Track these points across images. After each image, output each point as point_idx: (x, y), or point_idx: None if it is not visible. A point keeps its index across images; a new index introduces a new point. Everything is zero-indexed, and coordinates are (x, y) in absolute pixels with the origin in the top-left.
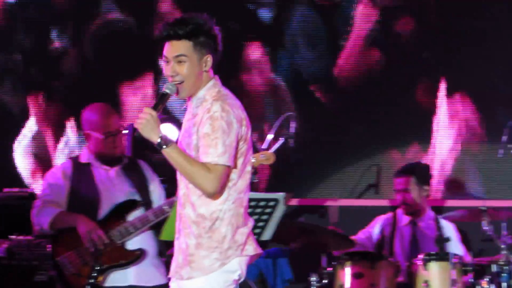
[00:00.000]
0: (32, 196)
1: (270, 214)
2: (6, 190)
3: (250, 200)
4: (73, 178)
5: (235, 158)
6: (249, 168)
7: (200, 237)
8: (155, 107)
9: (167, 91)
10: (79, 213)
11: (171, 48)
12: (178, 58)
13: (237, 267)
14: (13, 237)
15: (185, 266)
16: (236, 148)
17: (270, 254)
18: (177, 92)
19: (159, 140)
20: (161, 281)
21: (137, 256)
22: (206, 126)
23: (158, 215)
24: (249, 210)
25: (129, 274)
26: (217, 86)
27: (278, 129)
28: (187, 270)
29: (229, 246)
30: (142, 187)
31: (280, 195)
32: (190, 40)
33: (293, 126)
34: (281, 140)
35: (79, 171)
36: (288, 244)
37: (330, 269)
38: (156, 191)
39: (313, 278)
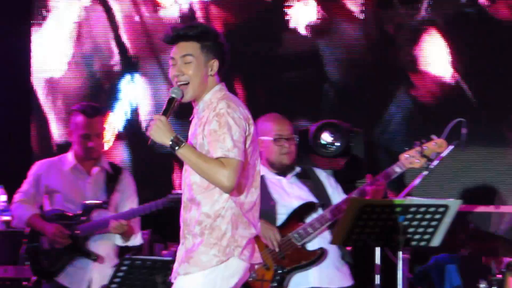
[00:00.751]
0: None
1: (439, 220)
2: (174, 192)
3: (419, 206)
4: None
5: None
6: (258, 169)
7: (202, 234)
8: (164, 113)
9: (173, 95)
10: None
11: (179, 49)
12: (185, 58)
13: (236, 271)
14: None
15: (184, 262)
16: (245, 144)
17: (439, 261)
18: (182, 96)
19: (170, 142)
20: (344, 283)
21: (318, 255)
22: (212, 123)
23: (335, 213)
24: (418, 216)
25: (311, 276)
26: (223, 90)
27: (448, 135)
28: (185, 266)
29: (227, 244)
30: (319, 192)
31: (450, 202)
32: (198, 42)
33: (464, 132)
34: (451, 146)
35: None
36: (457, 250)
37: (499, 276)
38: (335, 194)
39: (482, 285)
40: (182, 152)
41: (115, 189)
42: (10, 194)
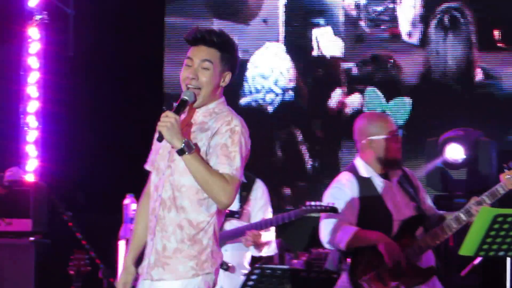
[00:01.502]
0: (333, 209)
1: None
2: (308, 203)
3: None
4: (360, 194)
5: None
6: None
7: (182, 242)
8: (177, 112)
9: (186, 98)
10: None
11: (200, 52)
12: (204, 63)
13: (208, 286)
14: (313, 250)
15: (157, 267)
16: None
17: None
18: (194, 101)
19: (182, 145)
20: None
21: (432, 273)
22: (225, 137)
23: (438, 234)
24: (495, 226)
25: None
26: (225, 104)
27: None
28: (159, 271)
29: (206, 259)
30: (417, 198)
31: None
32: (219, 51)
33: None
34: None
35: (362, 185)
36: None
37: None
38: (426, 200)
39: None
40: (191, 158)
41: (248, 199)
42: None
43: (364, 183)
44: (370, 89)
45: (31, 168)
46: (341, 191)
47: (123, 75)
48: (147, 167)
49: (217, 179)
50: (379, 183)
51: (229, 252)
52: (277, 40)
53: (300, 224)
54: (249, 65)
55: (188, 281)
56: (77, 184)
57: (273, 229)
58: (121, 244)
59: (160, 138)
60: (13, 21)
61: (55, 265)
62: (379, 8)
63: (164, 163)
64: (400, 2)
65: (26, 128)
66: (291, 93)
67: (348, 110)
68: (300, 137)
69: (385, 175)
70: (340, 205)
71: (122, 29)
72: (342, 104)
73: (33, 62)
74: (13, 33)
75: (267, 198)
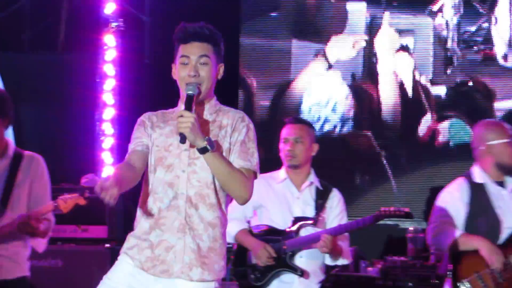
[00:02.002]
0: (408, 215)
1: None
2: (383, 209)
3: None
4: (471, 200)
5: None
6: None
7: (216, 241)
8: (188, 110)
9: (191, 92)
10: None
11: (196, 48)
12: (202, 58)
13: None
14: (389, 257)
15: (195, 267)
16: None
17: None
18: (199, 92)
19: (206, 142)
20: None
21: None
22: (243, 134)
23: None
24: None
25: None
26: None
27: None
28: (198, 272)
29: (225, 256)
30: None
31: None
32: (212, 44)
33: None
34: None
35: (474, 190)
36: None
37: None
38: None
39: None
40: (213, 156)
41: (324, 206)
42: None
43: (477, 188)
44: (455, 120)
45: (106, 175)
46: (450, 195)
47: None
48: (139, 147)
49: (238, 175)
50: (492, 189)
51: (304, 259)
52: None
53: (375, 231)
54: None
55: (219, 279)
56: None
57: (347, 237)
58: None
59: (183, 140)
60: (90, 28)
61: None
62: (472, 28)
63: (180, 160)
64: (496, 22)
65: (101, 135)
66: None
67: (437, 138)
68: (384, 161)
69: (500, 183)
70: (449, 209)
71: None
72: (431, 131)
73: (109, 69)
74: (89, 41)
75: (343, 207)
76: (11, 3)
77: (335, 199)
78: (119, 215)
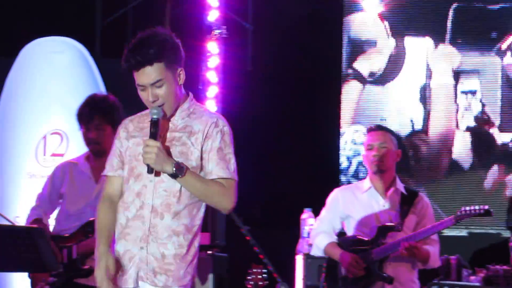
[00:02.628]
0: (488, 213)
1: None
2: (463, 208)
3: None
4: None
5: None
6: None
7: (181, 247)
8: (154, 137)
9: (156, 116)
10: None
11: (145, 76)
12: (156, 83)
13: None
14: (491, 266)
15: (160, 274)
16: None
17: None
18: (164, 113)
19: (174, 170)
20: None
21: None
22: (217, 140)
23: None
24: None
25: None
26: (194, 100)
27: None
28: (163, 278)
29: (196, 262)
30: None
31: None
32: (162, 61)
33: None
34: None
35: None
36: None
37: None
38: None
39: None
40: (185, 179)
41: (410, 212)
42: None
43: None
44: None
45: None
46: None
47: (301, 90)
48: (111, 173)
49: (216, 189)
50: None
51: (392, 266)
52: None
53: (477, 240)
54: None
55: (186, 285)
56: (254, 198)
57: (436, 241)
58: (299, 259)
59: (150, 171)
60: (193, 35)
61: (232, 279)
62: None
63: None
64: None
65: None
66: None
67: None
68: None
69: None
70: None
71: (301, 44)
72: (498, 184)
73: (212, 76)
74: (192, 48)
75: (430, 212)
76: (114, 10)
77: (420, 203)
78: (221, 221)
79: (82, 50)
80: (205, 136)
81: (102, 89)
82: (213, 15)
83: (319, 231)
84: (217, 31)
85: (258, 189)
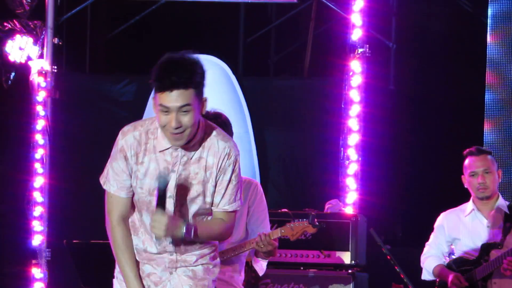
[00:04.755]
0: None
1: None
2: None
3: None
4: None
5: None
6: None
7: (209, 264)
8: (161, 207)
9: (162, 186)
10: None
11: (175, 98)
12: (183, 107)
13: None
14: None
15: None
16: None
17: None
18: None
19: (183, 234)
20: None
21: None
22: (229, 173)
23: None
24: None
25: None
26: (204, 123)
27: None
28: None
29: None
30: None
31: None
32: (193, 88)
33: None
34: None
35: None
36: None
37: None
38: None
39: None
40: (196, 236)
41: None
42: None
43: None
44: None
45: (350, 200)
46: None
47: (445, 110)
48: (124, 195)
49: (218, 232)
50: None
51: (497, 284)
52: None
53: None
54: None
55: None
56: (395, 217)
57: None
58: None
59: (158, 237)
60: (336, 54)
61: None
62: None
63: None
64: None
65: (346, 161)
66: None
67: None
68: None
69: None
70: None
71: (444, 63)
72: None
73: (354, 95)
74: (334, 66)
75: None
76: (257, 29)
77: None
78: (362, 241)
79: (225, 68)
80: (218, 170)
81: (244, 107)
82: (356, 34)
83: (427, 256)
84: (360, 50)
85: (399, 208)
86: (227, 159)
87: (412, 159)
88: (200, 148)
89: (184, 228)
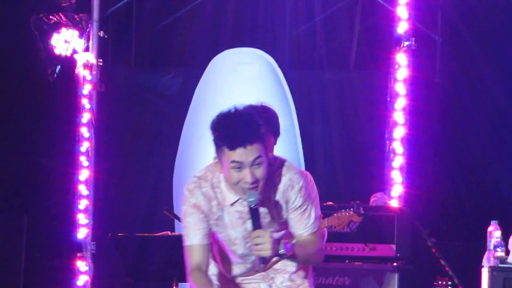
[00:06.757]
0: None
1: None
2: None
3: None
4: None
5: None
6: None
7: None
8: (258, 226)
9: (254, 205)
10: None
11: (248, 153)
12: (256, 161)
13: None
14: None
15: None
16: None
17: None
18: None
19: (283, 252)
20: None
21: None
22: (297, 201)
23: None
24: None
25: None
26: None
27: None
28: None
29: None
30: None
31: None
32: (262, 139)
33: None
34: None
35: None
36: None
37: None
38: None
39: None
40: (293, 253)
41: None
42: (505, 229)
43: None
44: None
45: (395, 194)
46: None
47: (491, 105)
48: (197, 242)
49: (314, 251)
50: None
51: None
52: None
53: None
54: None
55: None
56: (440, 210)
57: None
58: (484, 272)
59: (264, 261)
60: (381, 47)
61: None
62: None
63: (250, 249)
64: None
65: (391, 154)
66: None
67: None
68: None
69: None
70: None
71: (489, 56)
72: None
73: (400, 88)
74: (381, 59)
75: None
76: (303, 22)
77: None
78: (407, 234)
79: (271, 61)
80: (286, 202)
81: (290, 100)
82: (402, 27)
83: None
84: (406, 43)
85: (445, 201)
86: (291, 191)
87: (457, 152)
88: (268, 191)
89: (283, 245)
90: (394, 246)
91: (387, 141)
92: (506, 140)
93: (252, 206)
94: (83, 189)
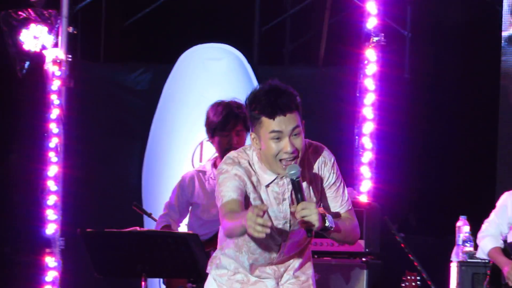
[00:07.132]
0: None
1: None
2: None
3: None
4: None
5: None
6: None
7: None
8: (303, 198)
9: (296, 178)
10: None
11: (287, 122)
12: (295, 130)
13: None
14: None
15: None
16: None
17: None
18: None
19: (328, 224)
20: None
21: None
22: (331, 178)
23: None
24: None
25: None
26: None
27: None
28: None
29: None
30: None
31: None
32: (299, 109)
33: None
34: None
35: None
36: None
37: None
38: None
39: None
40: (337, 227)
41: None
42: (474, 224)
43: None
44: None
45: (364, 189)
46: None
47: (459, 99)
48: (236, 197)
49: (352, 227)
50: None
51: None
52: None
53: None
54: None
55: None
56: (409, 205)
57: None
58: (453, 267)
59: (311, 233)
60: (351, 42)
61: (386, 285)
62: None
63: (281, 233)
64: None
65: (361, 149)
66: None
67: None
68: None
69: None
70: None
71: (460, 52)
72: None
73: (369, 83)
74: (349, 55)
75: None
76: (273, 18)
77: None
78: (375, 229)
79: (240, 57)
80: (321, 180)
81: None
82: (371, 23)
83: (485, 234)
84: (375, 38)
85: (414, 196)
86: (324, 167)
87: (426, 147)
88: (304, 169)
89: (327, 218)
90: (363, 242)
91: (356, 137)
92: (475, 135)
93: (294, 179)
94: (52, 185)
